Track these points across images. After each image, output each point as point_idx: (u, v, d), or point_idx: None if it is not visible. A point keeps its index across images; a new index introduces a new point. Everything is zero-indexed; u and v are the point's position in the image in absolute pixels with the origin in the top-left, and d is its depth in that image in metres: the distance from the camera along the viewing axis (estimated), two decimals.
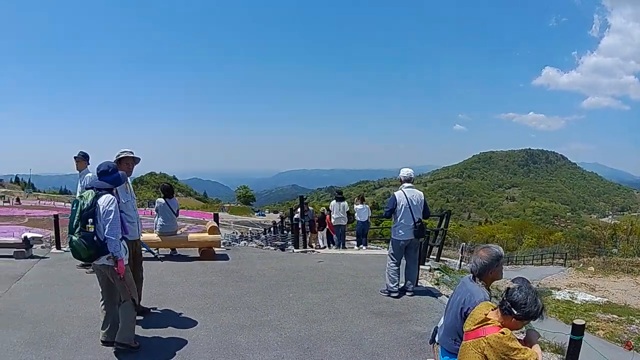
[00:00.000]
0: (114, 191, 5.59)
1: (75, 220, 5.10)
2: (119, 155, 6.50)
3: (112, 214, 5.17)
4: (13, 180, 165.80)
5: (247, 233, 34.01)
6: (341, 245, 16.44)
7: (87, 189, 5.53)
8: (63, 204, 76.51)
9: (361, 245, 16.06)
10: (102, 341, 5.72)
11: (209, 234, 11.22)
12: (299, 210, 16.66)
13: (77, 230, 5.08)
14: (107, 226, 5.12)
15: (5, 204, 78.65)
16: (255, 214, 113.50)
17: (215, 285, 8.72)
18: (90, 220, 5.09)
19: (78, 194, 9.29)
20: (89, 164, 9.28)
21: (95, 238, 5.08)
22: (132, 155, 6.58)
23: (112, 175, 5.50)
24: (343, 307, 7.62)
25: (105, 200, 5.22)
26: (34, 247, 10.97)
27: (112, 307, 5.64)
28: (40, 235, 11.07)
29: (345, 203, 17.08)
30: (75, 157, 9.29)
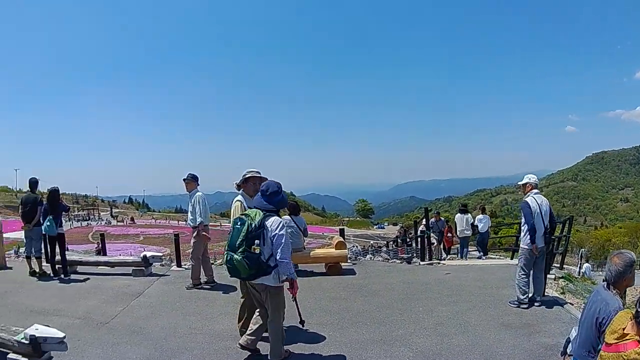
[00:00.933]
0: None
1: (240, 240, 5.14)
2: (245, 174, 6.55)
3: (284, 238, 5.21)
4: (127, 201, 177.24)
5: (368, 246, 33.88)
6: (465, 257, 16.71)
7: (251, 208, 5.57)
8: (177, 222, 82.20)
9: (481, 255, 16.31)
10: (240, 345, 5.82)
11: (336, 249, 11.03)
12: (423, 221, 16.57)
13: (240, 250, 5.12)
14: (279, 250, 5.16)
15: (119, 223, 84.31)
16: (375, 226, 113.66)
17: (344, 300, 8.56)
18: (257, 241, 5.14)
19: (190, 213, 9.58)
20: (198, 184, 9.63)
21: (259, 259, 5.14)
22: (259, 175, 6.56)
23: (279, 197, 5.51)
24: (473, 319, 7.39)
25: (274, 223, 5.27)
26: (153, 265, 11.20)
27: (264, 321, 5.69)
28: (161, 254, 11.42)
29: (470, 215, 17.41)
30: (184, 179, 9.61)
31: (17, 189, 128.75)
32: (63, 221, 11.25)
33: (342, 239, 11.75)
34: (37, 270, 10.98)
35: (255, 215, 5.24)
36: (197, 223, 9.37)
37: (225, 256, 5.38)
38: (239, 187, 6.69)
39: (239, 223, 5.28)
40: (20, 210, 11.29)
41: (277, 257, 5.18)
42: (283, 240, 5.19)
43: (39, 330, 5.50)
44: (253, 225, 5.14)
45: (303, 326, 5.78)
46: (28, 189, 11.47)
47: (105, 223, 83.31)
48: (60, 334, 5.48)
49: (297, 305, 5.62)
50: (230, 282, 9.53)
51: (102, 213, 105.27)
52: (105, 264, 11.53)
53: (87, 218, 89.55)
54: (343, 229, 16.46)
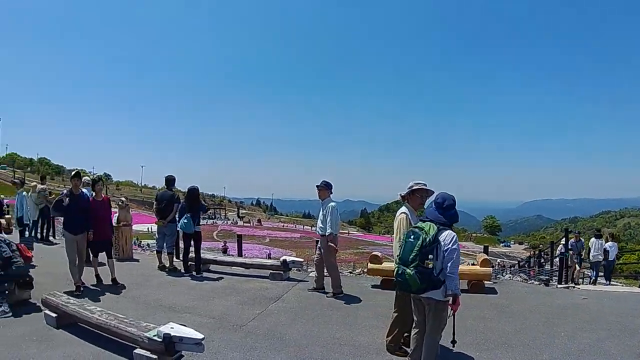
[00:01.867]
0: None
1: (414, 254, 5.10)
2: (412, 186, 6.33)
3: (455, 253, 5.16)
4: (254, 203, 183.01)
5: (495, 264, 32.92)
6: (596, 281, 16.84)
7: (423, 220, 5.45)
8: (310, 227, 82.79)
9: (596, 279, 16.90)
10: None
11: (481, 266, 10.59)
12: (562, 242, 16.73)
13: (413, 264, 5.09)
14: (449, 264, 5.10)
15: (245, 224, 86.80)
16: (501, 244, 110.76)
17: (488, 320, 8.16)
18: (430, 256, 5.07)
19: (320, 221, 9.49)
20: (331, 192, 9.60)
21: (431, 274, 5.07)
22: (425, 187, 6.34)
23: (453, 211, 5.45)
24: (612, 349, 6.97)
25: (447, 237, 5.19)
26: (291, 269, 11.12)
27: (422, 337, 5.54)
28: (301, 260, 11.29)
29: (603, 240, 17.63)
30: (317, 186, 9.55)
31: (142, 184, 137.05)
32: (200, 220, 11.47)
33: (486, 256, 11.37)
34: (167, 266, 11.33)
35: (430, 229, 5.17)
36: (327, 233, 9.29)
37: (396, 269, 5.31)
38: (403, 198, 6.46)
39: (412, 237, 5.23)
40: (155, 206, 11.68)
41: (447, 272, 5.09)
42: (455, 255, 5.12)
43: (175, 329, 5.45)
44: (427, 240, 5.07)
45: (454, 346, 5.52)
46: (164, 185, 11.89)
47: (232, 223, 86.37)
48: (199, 335, 5.37)
49: (454, 322, 5.40)
50: (363, 293, 9.63)
51: (228, 213, 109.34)
52: (241, 264, 11.59)
53: (213, 217, 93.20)
54: (487, 247, 16.44)
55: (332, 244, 9.31)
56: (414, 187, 6.32)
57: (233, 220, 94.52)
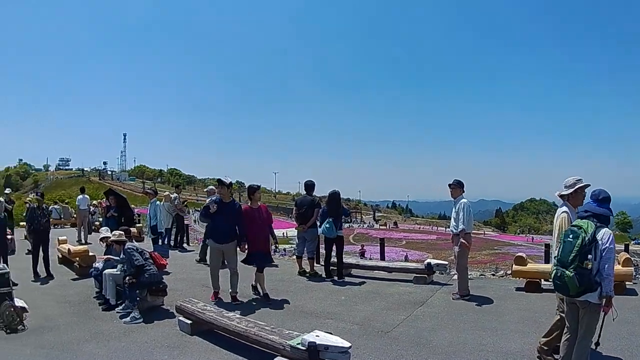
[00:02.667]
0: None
1: (573, 255, 4.94)
2: (575, 184, 5.99)
3: (612, 252, 4.98)
4: (390, 206, 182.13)
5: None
6: None
7: (582, 218, 5.29)
8: (443, 229, 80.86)
9: None
10: None
11: (622, 266, 9.91)
12: None
13: (572, 266, 4.93)
14: (606, 265, 4.90)
15: (381, 227, 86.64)
16: (632, 242, 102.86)
17: (631, 324, 7.58)
18: (589, 256, 4.89)
19: (453, 220, 9.35)
20: (463, 191, 9.48)
21: (590, 275, 4.89)
22: (589, 184, 6.03)
23: (608, 204, 5.29)
24: None
25: (605, 235, 4.98)
26: (435, 272, 10.97)
27: (573, 344, 5.35)
28: (445, 263, 11.12)
29: None
30: (449, 185, 9.50)
31: (276, 191, 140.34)
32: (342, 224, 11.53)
33: (628, 255, 10.60)
34: (308, 271, 11.48)
35: (588, 227, 4.96)
36: (459, 230, 9.15)
37: (554, 271, 5.15)
38: (563, 197, 6.14)
39: (571, 236, 5.02)
40: (295, 212, 11.92)
41: (604, 273, 4.87)
42: (612, 255, 4.92)
43: (320, 337, 5.38)
44: (587, 239, 4.86)
45: (596, 348, 5.35)
46: (304, 191, 12.07)
47: (368, 226, 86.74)
48: (345, 344, 5.31)
49: (602, 324, 5.25)
50: (508, 296, 9.38)
51: (364, 216, 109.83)
52: (384, 268, 11.59)
53: (349, 220, 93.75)
54: (628, 244, 15.18)
55: (465, 241, 9.16)
56: (578, 185, 6.00)
57: (369, 223, 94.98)
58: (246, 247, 9.26)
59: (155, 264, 8.98)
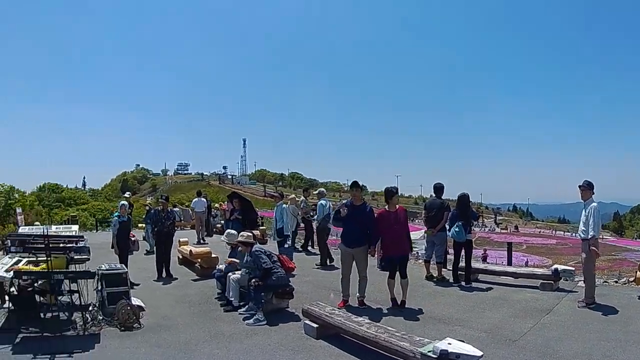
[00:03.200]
0: None
1: None
2: None
3: None
4: (510, 209, 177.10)
5: None
6: None
7: None
8: (562, 233, 78.68)
9: None
10: None
11: None
12: None
13: None
14: None
15: (502, 231, 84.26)
16: None
17: None
18: None
19: (582, 224, 8.93)
20: (593, 193, 9.02)
21: None
22: None
23: None
24: None
25: None
26: (561, 279, 10.44)
27: None
28: (572, 269, 10.61)
29: None
30: (580, 186, 9.04)
31: (399, 194, 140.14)
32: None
33: None
34: (436, 275, 11.23)
35: None
36: (589, 236, 8.66)
37: None
38: None
39: None
40: (424, 215, 11.78)
41: None
42: None
43: (452, 345, 5.18)
44: None
45: None
46: (432, 194, 11.75)
47: (489, 230, 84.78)
48: (477, 352, 5.10)
49: None
50: (632, 305, 8.93)
51: (485, 220, 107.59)
52: (512, 274, 11.20)
53: (474, 224, 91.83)
54: None
55: (595, 248, 8.66)
56: None
57: (490, 227, 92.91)
58: (378, 251, 9.06)
59: (283, 267, 9.04)
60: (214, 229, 22.30)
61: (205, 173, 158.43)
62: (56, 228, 10.52)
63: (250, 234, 9.43)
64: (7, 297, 9.18)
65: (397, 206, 9.22)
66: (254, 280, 8.52)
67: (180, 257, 14.23)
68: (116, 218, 11.88)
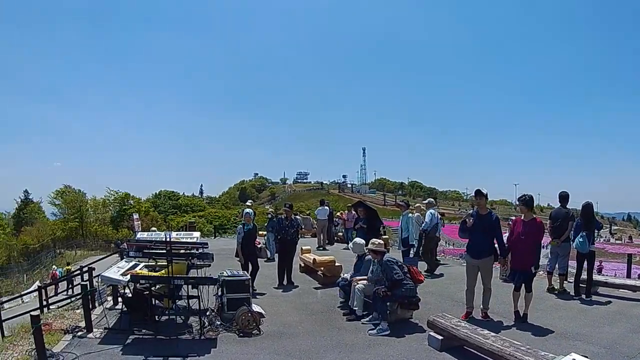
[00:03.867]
0: None
1: None
2: None
3: None
4: (625, 218, 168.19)
5: None
6: None
7: None
8: None
9: None
10: None
11: None
12: None
13: None
14: None
15: (617, 242, 79.95)
16: None
17: None
18: None
19: None
20: None
21: None
22: None
23: None
24: None
25: None
26: None
27: None
28: None
29: None
30: None
31: (515, 202, 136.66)
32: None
33: None
34: (557, 288, 10.95)
35: None
36: None
37: None
38: None
39: None
40: (549, 225, 11.32)
41: None
42: None
43: None
44: None
45: None
46: (559, 203, 11.38)
47: (604, 240, 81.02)
48: None
49: None
50: None
51: (600, 230, 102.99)
52: (631, 287, 10.77)
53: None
54: None
55: None
56: None
57: (605, 237, 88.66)
58: (507, 263, 8.87)
59: (413, 278, 8.95)
60: (335, 237, 22.77)
61: (324, 182, 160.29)
62: (176, 234, 10.99)
63: (382, 242, 9.38)
64: (120, 299, 9.74)
65: (534, 216, 8.85)
66: (382, 290, 8.50)
67: (302, 265, 14.44)
68: (241, 226, 12.09)
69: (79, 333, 8.18)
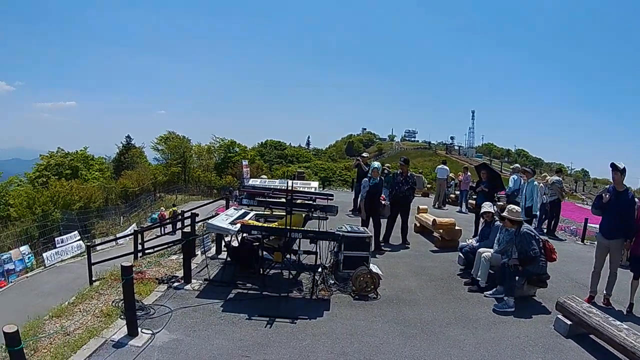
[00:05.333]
0: None
1: None
2: None
3: None
4: None
5: None
6: None
7: None
8: None
9: None
10: None
11: None
12: None
13: None
14: None
15: None
16: None
17: None
18: None
19: None
20: None
21: None
22: None
23: None
24: None
25: None
26: None
27: None
28: None
29: None
30: None
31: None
32: None
33: None
34: None
35: None
36: None
37: None
38: None
39: None
40: None
41: None
42: None
43: None
44: None
45: None
46: None
47: None
48: None
49: None
50: None
51: None
52: None
53: None
54: None
55: None
56: None
57: None
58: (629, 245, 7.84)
59: (546, 255, 8.04)
60: (448, 199, 22.35)
61: (432, 142, 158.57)
62: (293, 183, 10.38)
63: (519, 209, 8.43)
64: (224, 249, 9.28)
65: None
66: (514, 263, 7.74)
67: (418, 224, 13.88)
68: (366, 180, 11.27)
69: (175, 284, 7.86)
